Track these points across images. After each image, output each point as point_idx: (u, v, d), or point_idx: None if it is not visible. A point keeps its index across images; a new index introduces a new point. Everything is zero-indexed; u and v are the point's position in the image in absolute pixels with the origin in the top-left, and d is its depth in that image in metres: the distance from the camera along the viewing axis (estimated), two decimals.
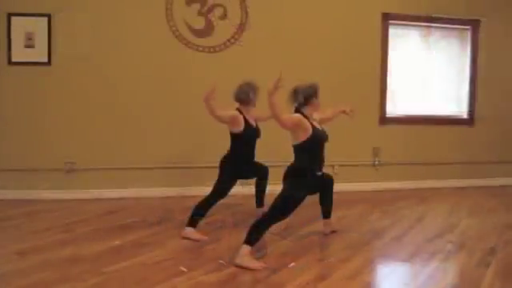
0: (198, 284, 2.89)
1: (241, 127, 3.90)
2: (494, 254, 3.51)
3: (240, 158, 3.98)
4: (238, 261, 3.15)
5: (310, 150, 3.44)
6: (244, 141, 3.97)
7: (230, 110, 3.92)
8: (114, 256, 3.36)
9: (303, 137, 3.38)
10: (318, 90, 3.53)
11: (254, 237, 3.21)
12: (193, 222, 3.81)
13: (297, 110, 3.49)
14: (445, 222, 4.46)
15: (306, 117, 3.43)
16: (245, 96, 3.93)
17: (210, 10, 5.40)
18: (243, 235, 3.24)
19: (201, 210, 3.85)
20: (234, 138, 3.96)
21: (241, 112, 3.95)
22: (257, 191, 4.39)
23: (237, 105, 3.99)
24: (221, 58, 5.43)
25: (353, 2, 5.77)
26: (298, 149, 3.44)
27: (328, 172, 3.90)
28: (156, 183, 5.36)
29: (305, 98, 3.46)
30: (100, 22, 5.19)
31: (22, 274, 2.99)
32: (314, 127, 3.43)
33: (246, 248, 3.17)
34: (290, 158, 3.51)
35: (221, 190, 3.90)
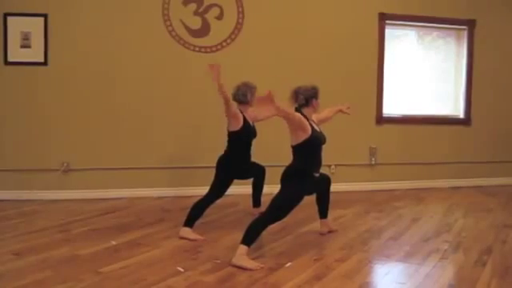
0: (195, 284, 2.89)
1: (240, 124, 3.92)
2: (491, 253, 3.52)
3: (237, 158, 3.99)
4: (235, 261, 3.15)
5: (309, 151, 3.46)
6: (242, 139, 3.98)
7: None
8: (111, 256, 3.35)
9: (302, 137, 3.39)
10: (319, 92, 3.58)
11: (251, 237, 3.21)
12: (190, 222, 3.81)
13: (297, 111, 3.50)
14: (441, 221, 4.48)
15: (305, 117, 3.45)
16: (243, 96, 3.97)
17: (207, 10, 5.39)
18: (240, 235, 3.24)
19: (198, 209, 3.85)
20: (232, 136, 3.97)
21: (240, 112, 3.97)
22: (253, 191, 4.40)
23: (235, 105, 4.01)
24: (218, 58, 5.41)
25: (350, 2, 5.77)
26: (297, 149, 3.45)
27: (325, 172, 3.90)
28: (153, 183, 5.35)
29: (306, 98, 3.50)
30: (96, 22, 5.18)
31: (18, 274, 2.98)
32: (312, 128, 3.45)
33: (243, 248, 3.18)
34: (287, 159, 3.51)
35: (218, 190, 3.90)
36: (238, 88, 4.00)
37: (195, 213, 3.84)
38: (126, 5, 5.23)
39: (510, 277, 3.08)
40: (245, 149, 4.05)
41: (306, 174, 3.46)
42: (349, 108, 4.13)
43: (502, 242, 3.83)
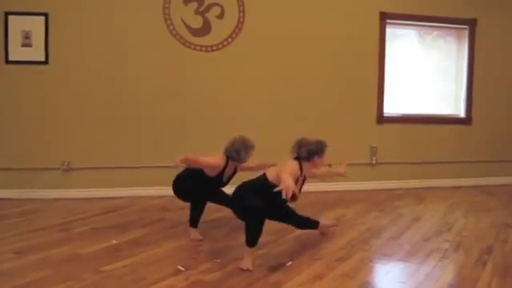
0: (196, 283, 2.89)
1: (214, 174, 3.69)
2: (491, 252, 3.52)
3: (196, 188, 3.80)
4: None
5: (269, 195, 3.13)
6: (210, 182, 3.78)
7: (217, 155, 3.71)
8: (112, 255, 3.35)
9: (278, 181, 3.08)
10: (325, 149, 3.37)
11: (250, 239, 3.14)
12: (193, 222, 3.80)
13: (296, 159, 3.35)
14: (442, 220, 4.47)
15: (300, 170, 3.29)
16: (236, 155, 3.64)
17: (208, 9, 5.39)
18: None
19: (196, 208, 3.82)
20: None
21: (226, 162, 3.71)
22: None
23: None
24: (218, 57, 5.42)
25: (350, 1, 5.76)
26: (264, 183, 3.22)
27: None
28: (153, 182, 5.34)
29: (308, 153, 3.31)
30: (97, 21, 5.18)
31: (19, 272, 2.98)
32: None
33: (247, 250, 3.14)
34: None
35: (199, 202, 3.80)
36: (233, 144, 3.65)
37: (194, 211, 3.80)
38: (127, 4, 5.23)
39: (511, 276, 3.07)
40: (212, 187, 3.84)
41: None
42: (345, 172, 3.87)
43: (502, 241, 3.82)
